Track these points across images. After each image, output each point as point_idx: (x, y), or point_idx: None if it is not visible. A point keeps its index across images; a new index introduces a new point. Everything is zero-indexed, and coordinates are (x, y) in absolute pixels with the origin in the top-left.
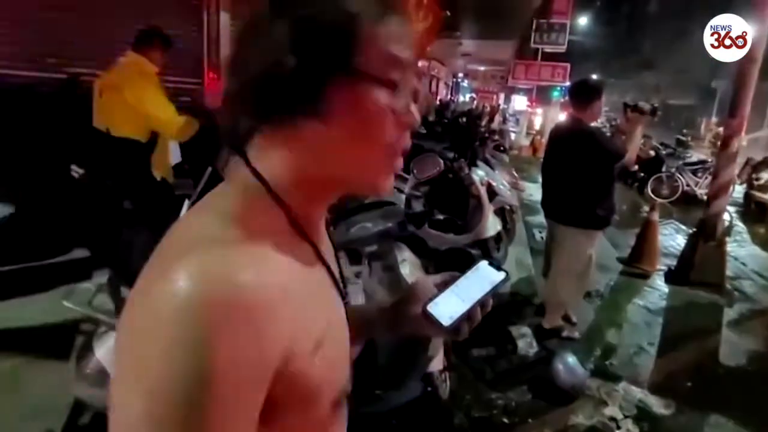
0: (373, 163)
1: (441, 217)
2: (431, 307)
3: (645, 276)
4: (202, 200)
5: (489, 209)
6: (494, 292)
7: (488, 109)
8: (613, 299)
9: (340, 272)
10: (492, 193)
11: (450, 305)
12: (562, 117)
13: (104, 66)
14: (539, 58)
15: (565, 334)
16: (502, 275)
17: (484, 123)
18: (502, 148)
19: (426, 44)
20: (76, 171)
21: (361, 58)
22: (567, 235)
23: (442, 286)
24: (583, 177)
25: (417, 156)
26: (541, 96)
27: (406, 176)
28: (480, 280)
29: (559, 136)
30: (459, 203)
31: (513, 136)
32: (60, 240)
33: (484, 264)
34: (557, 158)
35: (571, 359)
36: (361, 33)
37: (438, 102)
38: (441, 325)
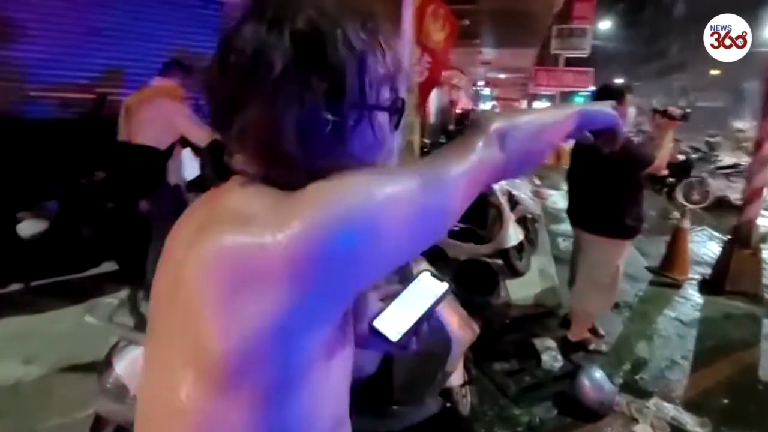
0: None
1: (460, 226)
2: (378, 323)
3: (676, 285)
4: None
5: (510, 218)
6: (438, 304)
7: None
8: (643, 310)
9: None
10: (513, 202)
11: (396, 319)
12: None
13: (134, 86)
14: (562, 64)
15: (592, 347)
16: (445, 286)
17: None
18: None
19: (445, 54)
20: (99, 174)
21: (370, 93)
22: (594, 244)
23: (386, 300)
24: (609, 184)
25: None
26: (565, 101)
27: None
28: (423, 292)
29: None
30: (479, 213)
31: None
32: (91, 254)
33: (426, 275)
34: (583, 165)
35: (599, 374)
36: (368, 70)
37: (459, 111)
38: (389, 340)
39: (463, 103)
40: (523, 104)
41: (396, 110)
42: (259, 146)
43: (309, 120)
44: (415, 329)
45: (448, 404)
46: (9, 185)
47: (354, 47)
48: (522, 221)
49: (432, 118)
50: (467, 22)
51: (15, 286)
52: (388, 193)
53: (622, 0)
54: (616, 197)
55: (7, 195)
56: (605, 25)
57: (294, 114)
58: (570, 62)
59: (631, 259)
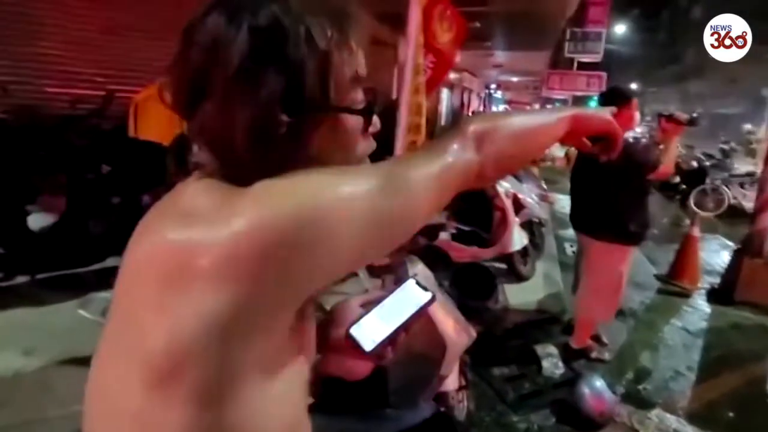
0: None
1: (463, 229)
2: (354, 330)
3: (685, 294)
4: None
5: (514, 222)
6: (419, 314)
7: None
8: (649, 319)
9: None
10: (519, 205)
11: (373, 328)
12: None
13: (142, 83)
14: (575, 67)
15: (594, 354)
16: (428, 296)
17: None
18: None
19: (452, 55)
20: (105, 168)
21: (335, 94)
22: (597, 249)
23: (367, 307)
24: (613, 189)
25: None
26: (577, 106)
27: None
28: (406, 301)
29: None
30: (483, 215)
31: None
32: (97, 249)
33: (411, 283)
34: (586, 169)
35: (599, 382)
36: (332, 70)
37: (470, 114)
38: (363, 349)
39: (475, 106)
40: (536, 107)
41: (366, 113)
42: (213, 143)
43: (262, 119)
44: (391, 339)
45: (443, 409)
46: (19, 179)
47: (318, 45)
48: (527, 225)
49: (443, 119)
50: (478, 25)
51: (20, 279)
52: (343, 192)
53: (638, 4)
54: (620, 202)
55: (17, 188)
56: (620, 29)
57: (247, 112)
58: (584, 66)
59: (639, 266)
